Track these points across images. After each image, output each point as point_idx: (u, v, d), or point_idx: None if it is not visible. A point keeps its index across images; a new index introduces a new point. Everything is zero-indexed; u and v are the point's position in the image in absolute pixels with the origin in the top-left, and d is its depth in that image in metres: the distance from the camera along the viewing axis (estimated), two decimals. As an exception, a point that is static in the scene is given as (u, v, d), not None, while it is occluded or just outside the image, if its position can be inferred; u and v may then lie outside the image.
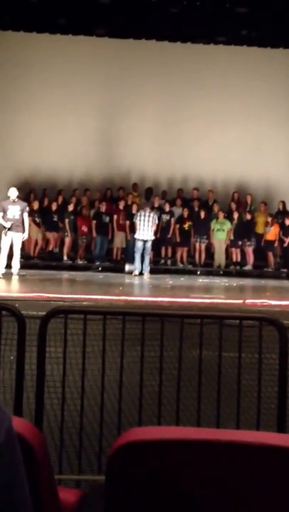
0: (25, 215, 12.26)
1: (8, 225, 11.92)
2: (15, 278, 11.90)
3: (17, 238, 12.09)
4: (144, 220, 13.84)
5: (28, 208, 12.59)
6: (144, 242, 13.88)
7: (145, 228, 13.84)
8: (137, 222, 13.89)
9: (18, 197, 12.36)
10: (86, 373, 3.69)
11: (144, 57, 16.32)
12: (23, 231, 12.26)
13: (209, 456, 1.56)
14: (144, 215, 13.88)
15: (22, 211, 12.11)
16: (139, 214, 13.97)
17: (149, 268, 14.01)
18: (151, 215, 14.00)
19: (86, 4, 14.50)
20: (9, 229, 11.94)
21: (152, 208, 14.99)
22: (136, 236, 13.94)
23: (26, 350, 3.50)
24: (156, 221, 14.29)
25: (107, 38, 16.27)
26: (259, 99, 16.47)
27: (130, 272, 14.11)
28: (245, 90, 16.42)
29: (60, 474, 3.46)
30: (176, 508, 1.57)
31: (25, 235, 12.30)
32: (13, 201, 12.10)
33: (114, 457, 1.58)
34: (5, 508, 1.04)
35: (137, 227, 13.89)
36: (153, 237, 14.03)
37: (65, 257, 15.37)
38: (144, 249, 13.94)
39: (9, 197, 12.15)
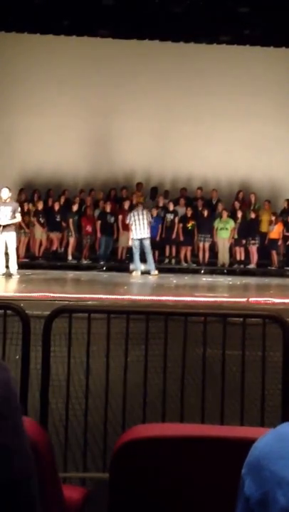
0: (18, 215, 12.27)
1: (2, 222, 11.94)
2: (15, 278, 11.93)
3: (10, 238, 12.11)
4: (138, 219, 13.85)
5: (19, 209, 12.57)
6: (141, 240, 13.86)
7: (141, 227, 13.83)
8: (132, 222, 13.90)
9: (10, 197, 12.41)
10: (91, 372, 3.70)
11: (148, 57, 16.32)
12: (15, 230, 12.39)
13: (213, 453, 1.57)
14: (138, 215, 13.89)
15: (13, 212, 12.11)
16: (132, 214, 13.96)
17: (154, 265, 14.00)
18: (144, 213, 14.00)
19: (89, 5, 14.52)
20: (3, 228, 11.96)
21: (157, 208, 15.03)
22: (132, 236, 13.93)
23: (31, 350, 3.52)
24: (150, 219, 14.29)
25: (111, 38, 16.29)
26: (262, 98, 16.46)
27: (133, 272, 14.12)
28: (249, 89, 16.42)
29: (66, 472, 3.48)
30: (179, 504, 1.58)
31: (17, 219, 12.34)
32: (5, 202, 12.12)
33: (118, 455, 1.60)
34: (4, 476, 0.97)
35: (132, 227, 13.89)
36: (149, 235, 14.01)
37: (69, 257, 15.39)
38: (143, 248, 13.92)
39: (1, 197, 12.17)
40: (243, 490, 0.99)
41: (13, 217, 12.11)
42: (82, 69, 16.32)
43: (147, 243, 13.90)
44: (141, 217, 13.86)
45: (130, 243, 14.10)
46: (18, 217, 12.36)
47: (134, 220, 13.83)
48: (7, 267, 12.19)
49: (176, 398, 3.71)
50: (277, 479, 0.93)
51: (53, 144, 16.17)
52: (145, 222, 13.87)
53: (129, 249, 15.16)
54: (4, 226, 11.94)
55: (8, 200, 12.19)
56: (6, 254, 12.12)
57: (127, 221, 14.13)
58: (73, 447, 3.72)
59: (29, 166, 16.39)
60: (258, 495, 0.95)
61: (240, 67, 16.41)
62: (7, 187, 12.42)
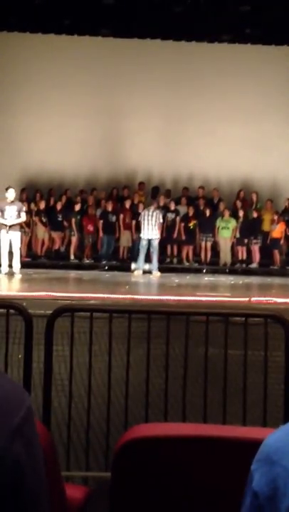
0: (23, 215, 12.41)
1: (8, 222, 12.08)
2: (17, 277, 11.97)
3: (15, 238, 12.22)
4: (148, 219, 13.84)
5: (24, 208, 12.72)
6: (149, 241, 13.87)
7: (150, 227, 13.82)
8: (142, 221, 13.91)
9: (15, 198, 12.57)
10: (93, 371, 3.71)
11: (149, 56, 16.32)
12: (20, 229, 12.56)
13: (214, 452, 1.57)
14: (149, 214, 13.88)
15: (19, 211, 12.27)
16: (143, 213, 13.99)
17: (157, 266, 14.00)
18: (156, 213, 13.99)
19: (90, 4, 14.53)
20: (9, 227, 12.09)
21: (158, 207, 15.01)
22: (141, 235, 13.96)
23: (34, 349, 3.52)
24: (161, 220, 14.27)
25: (112, 38, 16.29)
26: (264, 97, 16.45)
27: (135, 271, 14.12)
28: (250, 88, 16.41)
29: (68, 471, 3.49)
30: (181, 503, 1.59)
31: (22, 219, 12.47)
32: (11, 202, 12.26)
33: (120, 454, 1.60)
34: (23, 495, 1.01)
35: (142, 226, 13.90)
36: (158, 236, 14.00)
37: (71, 256, 15.41)
38: (150, 248, 13.93)
39: (7, 198, 12.30)
40: (251, 485, 0.99)
41: (19, 216, 12.24)
42: (84, 68, 16.31)
43: (155, 244, 13.90)
44: (151, 217, 13.85)
45: (141, 242, 14.03)
46: (23, 217, 12.52)
47: (144, 220, 13.85)
48: (10, 266, 12.25)
49: (178, 398, 3.71)
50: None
51: (55, 144, 16.18)
52: (154, 222, 13.86)
53: (132, 248, 15.17)
54: (10, 226, 12.08)
55: (13, 201, 12.33)
56: (10, 253, 12.22)
57: (139, 219, 14.17)
58: (76, 446, 3.73)
59: (31, 165, 16.40)
60: (268, 490, 0.96)
61: (241, 66, 16.39)
62: (10, 186, 12.51)
